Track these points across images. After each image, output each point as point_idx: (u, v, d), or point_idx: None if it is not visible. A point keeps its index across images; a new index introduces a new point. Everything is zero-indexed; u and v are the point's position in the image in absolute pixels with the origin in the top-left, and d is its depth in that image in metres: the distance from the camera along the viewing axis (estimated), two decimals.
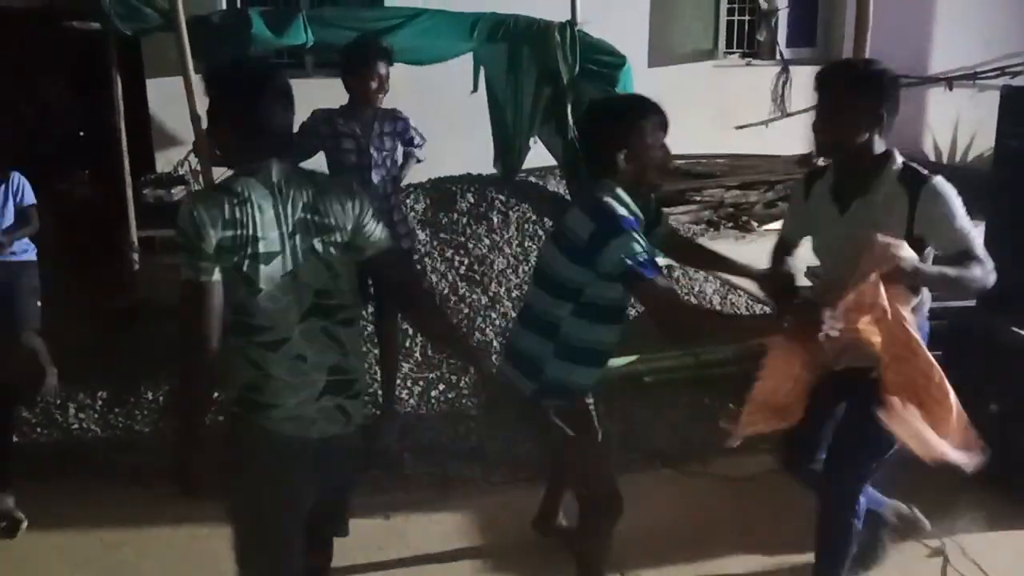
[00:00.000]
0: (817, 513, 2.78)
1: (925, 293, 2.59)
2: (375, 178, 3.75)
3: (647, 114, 2.37)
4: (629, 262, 2.22)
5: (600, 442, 2.59)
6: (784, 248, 2.78)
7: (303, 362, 2.06)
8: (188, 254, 1.96)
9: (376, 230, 2.13)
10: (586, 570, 2.78)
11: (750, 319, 2.37)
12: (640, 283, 2.24)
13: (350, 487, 2.36)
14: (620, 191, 2.37)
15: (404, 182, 4.25)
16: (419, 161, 4.19)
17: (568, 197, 5.71)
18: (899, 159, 2.46)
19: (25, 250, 4.38)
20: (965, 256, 2.39)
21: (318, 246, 2.05)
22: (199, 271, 1.95)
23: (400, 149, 3.94)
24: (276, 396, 2.06)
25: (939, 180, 2.41)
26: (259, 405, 2.07)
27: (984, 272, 2.40)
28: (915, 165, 2.48)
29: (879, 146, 2.44)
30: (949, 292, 2.45)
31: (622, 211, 2.32)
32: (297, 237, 2.03)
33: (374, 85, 3.72)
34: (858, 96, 2.37)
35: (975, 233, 2.43)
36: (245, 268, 1.98)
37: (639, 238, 2.27)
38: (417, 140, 4.06)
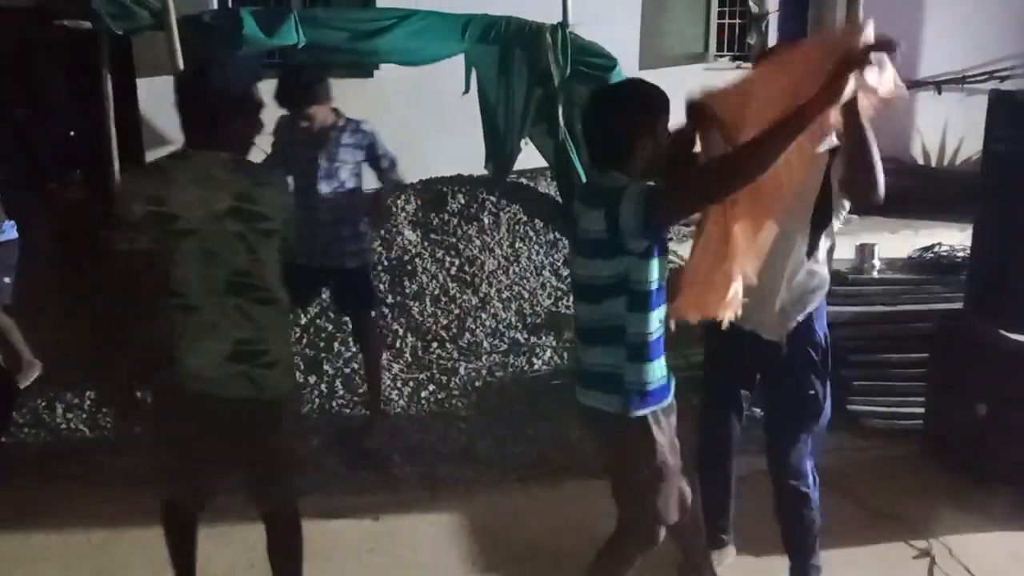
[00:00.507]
0: (776, 502, 2.83)
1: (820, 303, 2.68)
2: (324, 189, 3.64)
3: (661, 101, 2.27)
4: (643, 195, 2.12)
5: (674, 461, 2.43)
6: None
7: (214, 329, 2.31)
8: (118, 224, 2.25)
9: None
10: None
11: (783, 119, 2.07)
12: (663, 194, 2.14)
13: (276, 456, 2.55)
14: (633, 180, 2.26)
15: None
16: (397, 185, 4.01)
17: (559, 199, 5.72)
18: None
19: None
20: None
21: (244, 231, 2.25)
22: (124, 240, 2.25)
23: (361, 163, 3.76)
24: (186, 355, 2.35)
25: None
26: (174, 360, 2.35)
27: None
28: None
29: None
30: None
31: (624, 179, 2.23)
32: (224, 221, 2.23)
33: (304, 124, 3.61)
34: None
35: None
36: (166, 241, 2.25)
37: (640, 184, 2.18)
38: (384, 163, 3.80)
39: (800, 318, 2.64)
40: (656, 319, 2.31)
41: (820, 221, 2.58)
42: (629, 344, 2.29)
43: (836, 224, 2.65)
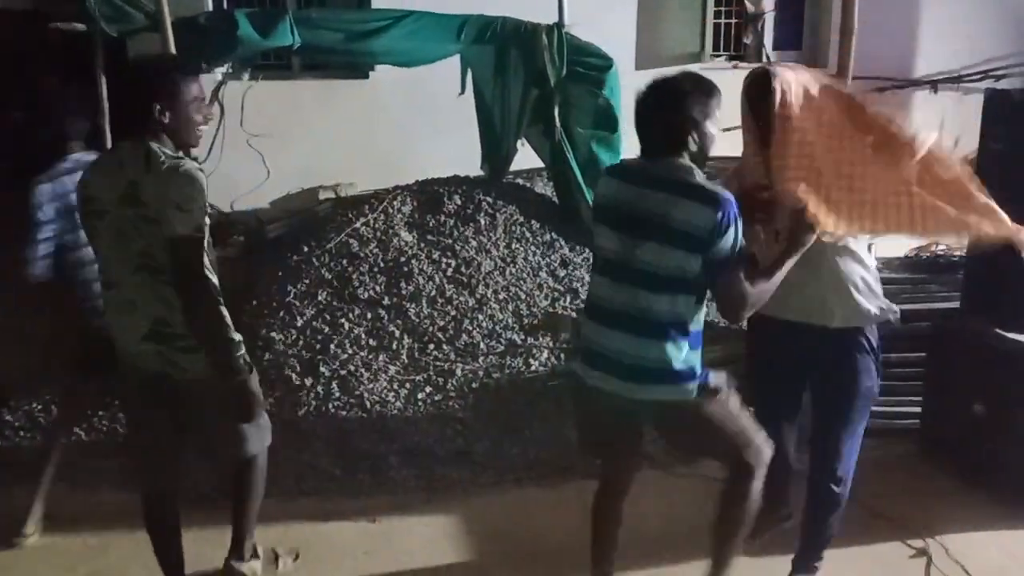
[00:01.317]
0: (808, 494, 2.89)
1: None
2: None
3: (712, 92, 2.41)
4: (737, 251, 2.30)
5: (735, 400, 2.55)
6: None
7: (132, 306, 2.56)
8: None
9: (175, 220, 2.44)
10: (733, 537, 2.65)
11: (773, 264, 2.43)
12: (732, 273, 2.31)
13: (216, 435, 2.80)
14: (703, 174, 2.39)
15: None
16: None
17: (556, 199, 5.71)
18: None
19: None
20: None
21: (135, 217, 2.49)
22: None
23: None
24: (115, 330, 2.63)
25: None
26: (112, 336, 2.64)
27: None
28: None
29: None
30: None
31: (730, 196, 2.32)
32: (125, 206, 2.49)
33: None
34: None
35: None
36: (86, 221, 2.60)
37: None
38: None
39: (847, 309, 2.67)
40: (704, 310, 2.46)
41: None
42: (690, 334, 2.40)
43: None
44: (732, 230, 2.28)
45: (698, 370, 2.44)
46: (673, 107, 2.35)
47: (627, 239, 2.39)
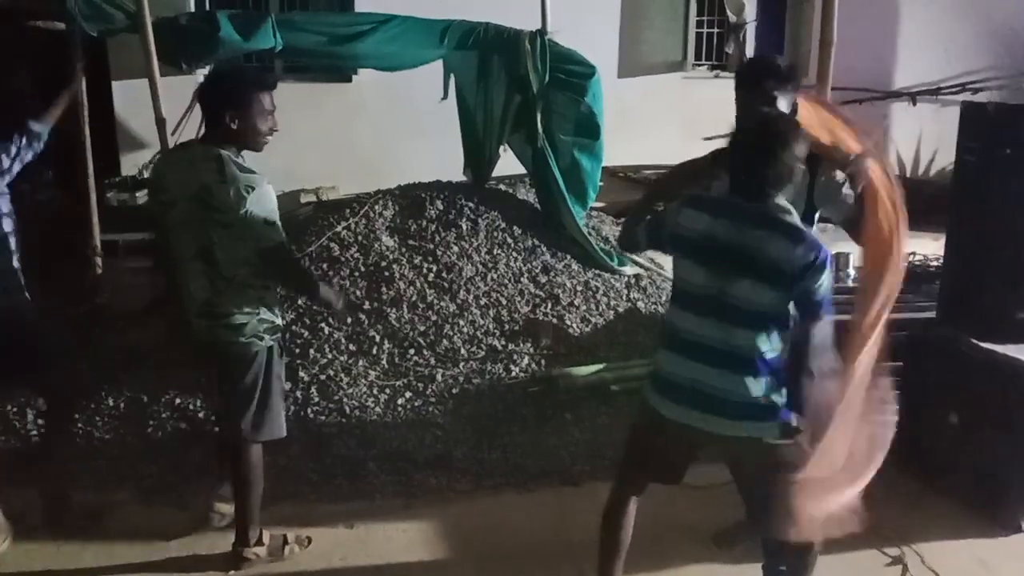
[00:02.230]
0: None
1: None
2: None
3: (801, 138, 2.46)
4: (822, 295, 2.37)
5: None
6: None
7: (187, 287, 2.97)
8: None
9: (269, 232, 2.84)
10: None
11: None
12: (819, 319, 2.38)
13: (233, 394, 3.07)
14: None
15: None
16: None
17: (538, 206, 5.72)
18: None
19: None
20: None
21: (207, 217, 2.83)
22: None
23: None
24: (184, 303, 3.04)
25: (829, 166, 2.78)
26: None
27: None
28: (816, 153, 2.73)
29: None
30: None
31: (821, 242, 2.40)
32: (196, 205, 2.84)
33: None
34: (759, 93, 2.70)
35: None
36: (155, 204, 3.00)
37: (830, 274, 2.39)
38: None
39: None
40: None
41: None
42: (776, 371, 2.43)
43: None
44: (824, 274, 2.35)
45: (780, 407, 2.45)
46: (784, 153, 2.39)
47: (718, 274, 2.42)
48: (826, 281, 2.36)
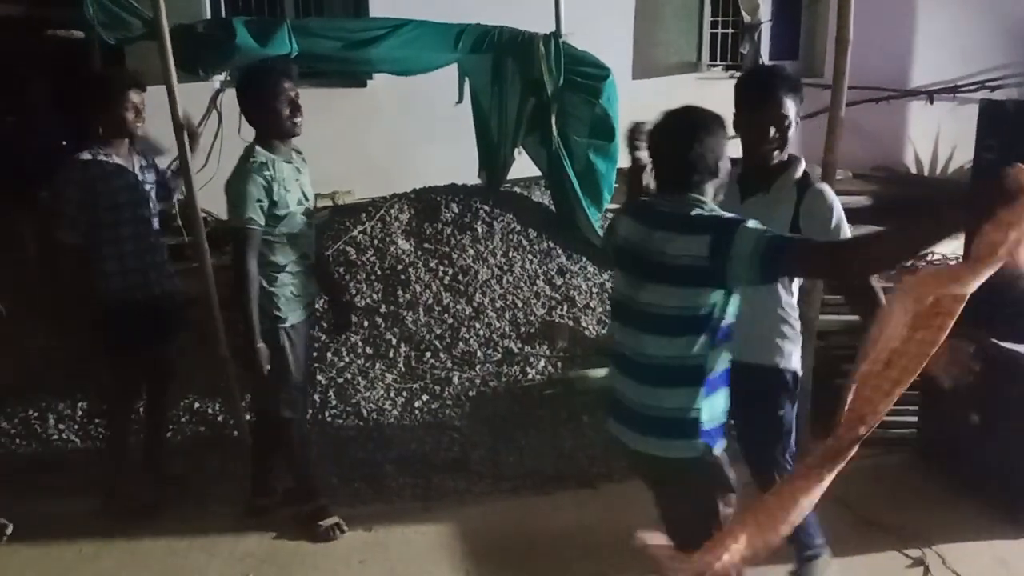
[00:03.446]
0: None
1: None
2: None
3: (724, 128, 2.30)
4: (763, 245, 2.08)
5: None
6: None
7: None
8: None
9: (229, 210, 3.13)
10: None
11: (917, 223, 2.06)
12: (788, 253, 2.11)
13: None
14: (709, 202, 2.27)
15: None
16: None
17: (553, 208, 5.72)
18: (801, 167, 2.70)
19: None
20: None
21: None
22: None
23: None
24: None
25: (823, 186, 2.70)
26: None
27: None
28: (810, 174, 2.73)
29: (786, 149, 2.68)
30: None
31: (726, 215, 2.22)
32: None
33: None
34: (792, 98, 2.63)
35: (848, 234, 2.66)
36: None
37: (750, 222, 2.15)
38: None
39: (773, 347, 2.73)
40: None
41: None
42: (708, 380, 2.21)
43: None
44: (736, 236, 2.10)
45: (698, 424, 2.21)
46: (694, 144, 2.23)
47: (630, 281, 2.30)
48: (746, 236, 2.09)
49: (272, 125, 3.20)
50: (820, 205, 2.64)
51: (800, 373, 2.84)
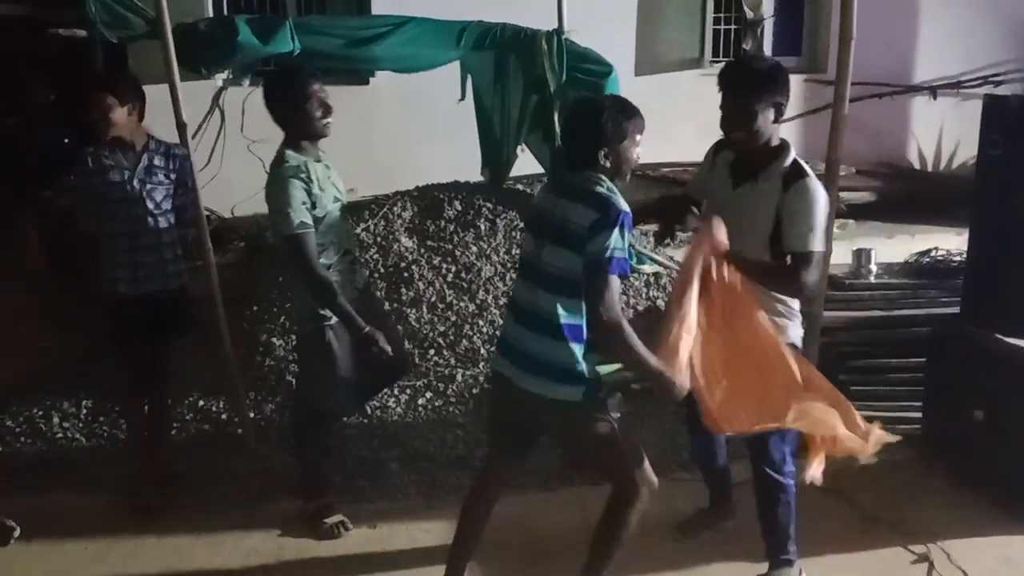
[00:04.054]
0: (755, 488, 3.01)
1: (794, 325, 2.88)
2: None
3: (630, 115, 2.55)
4: (607, 253, 2.42)
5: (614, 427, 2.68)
6: (687, 198, 3.15)
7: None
8: None
9: (273, 217, 3.19)
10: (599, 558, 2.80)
11: (647, 358, 2.53)
12: (600, 275, 2.43)
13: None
14: (612, 184, 2.53)
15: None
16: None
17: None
18: (791, 156, 2.75)
19: None
20: (796, 259, 2.69)
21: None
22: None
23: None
24: None
25: (810, 180, 2.70)
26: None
27: (795, 284, 2.70)
28: (801, 163, 2.74)
29: (775, 137, 2.75)
30: (759, 282, 2.72)
31: (624, 206, 2.47)
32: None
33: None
34: (755, 91, 2.68)
35: (819, 243, 2.68)
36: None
37: (627, 237, 2.46)
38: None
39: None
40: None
41: (776, 253, 2.75)
42: (585, 336, 2.52)
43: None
44: (608, 233, 2.41)
45: (583, 374, 2.54)
46: (595, 126, 2.52)
47: (534, 240, 2.61)
48: (614, 241, 2.42)
49: (304, 127, 3.22)
50: (799, 206, 2.67)
51: (800, 346, 2.90)
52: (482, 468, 3.02)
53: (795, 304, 2.87)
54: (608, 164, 2.52)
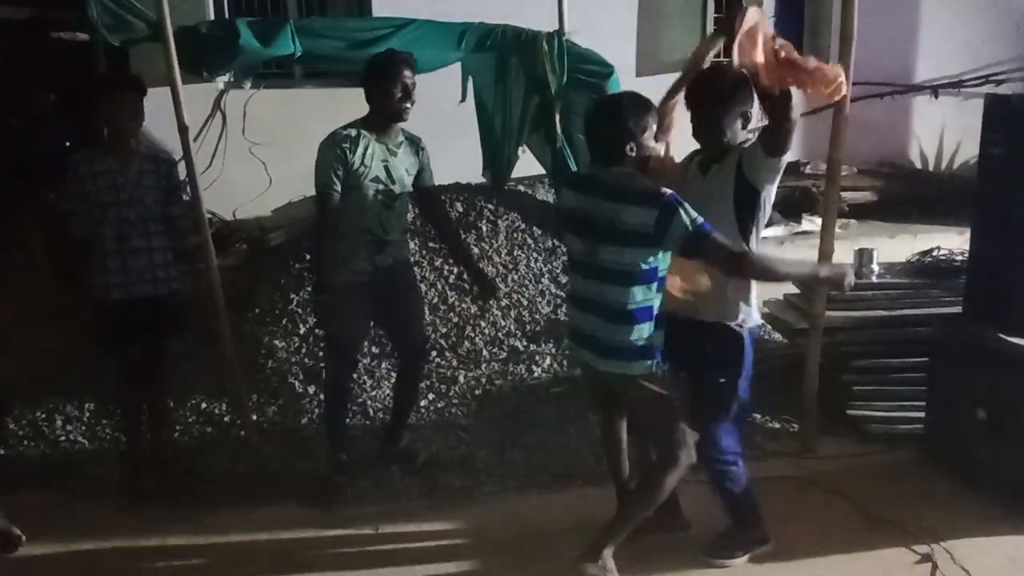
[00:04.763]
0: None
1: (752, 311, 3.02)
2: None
3: (648, 108, 2.76)
4: (691, 228, 2.63)
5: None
6: None
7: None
8: None
9: None
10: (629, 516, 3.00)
11: (799, 266, 3.01)
12: (705, 244, 2.65)
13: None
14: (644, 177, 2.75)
15: None
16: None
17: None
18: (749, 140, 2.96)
19: None
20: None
21: None
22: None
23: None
24: None
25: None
26: None
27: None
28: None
29: (742, 136, 2.93)
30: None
31: (666, 189, 2.68)
32: None
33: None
34: (719, 107, 2.87)
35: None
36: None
37: (689, 207, 2.65)
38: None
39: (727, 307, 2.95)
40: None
41: (743, 216, 2.92)
42: (653, 317, 2.79)
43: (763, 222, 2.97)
44: (678, 216, 2.63)
45: (655, 351, 2.83)
46: (615, 124, 2.72)
47: (589, 242, 2.81)
48: (687, 216, 2.63)
49: (380, 106, 3.48)
50: (754, 149, 2.86)
51: (752, 334, 3.05)
52: (602, 434, 3.27)
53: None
54: (635, 157, 2.71)
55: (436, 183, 3.94)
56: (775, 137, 2.78)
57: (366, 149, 3.47)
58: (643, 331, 2.79)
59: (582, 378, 3.45)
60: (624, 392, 2.98)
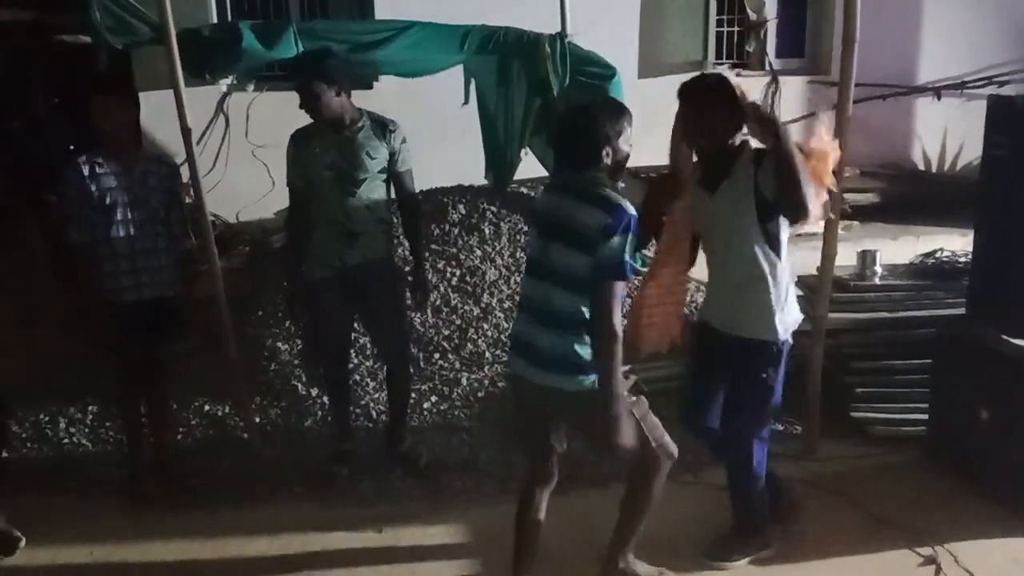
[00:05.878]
0: (727, 471, 3.20)
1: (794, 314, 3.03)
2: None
3: (623, 112, 2.68)
4: (617, 260, 2.53)
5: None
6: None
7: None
8: None
9: None
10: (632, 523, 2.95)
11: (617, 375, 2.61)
12: (608, 282, 2.53)
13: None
14: (615, 185, 2.65)
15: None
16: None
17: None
18: (752, 146, 2.90)
19: None
20: None
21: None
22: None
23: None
24: None
25: None
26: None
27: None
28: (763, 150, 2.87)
29: (737, 139, 2.89)
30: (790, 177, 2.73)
31: (632, 210, 2.55)
32: None
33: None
34: (715, 106, 2.83)
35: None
36: None
37: (632, 240, 2.55)
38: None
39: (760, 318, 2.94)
40: None
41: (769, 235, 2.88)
42: (590, 330, 2.60)
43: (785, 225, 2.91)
44: (619, 239, 2.51)
45: (590, 364, 2.63)
46: (588, 128, 2.62)
47: (542, 242, 2.69)
48: (623, 247, 2.52)
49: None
50: (767, 175, 2.79)
51: (791, 342, 3.03)
52: (523, 477, 3.04)
53: (783, 291, 2.96)
54: (609, 161, 2.62)
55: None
56: (789, 212, 2.79)
57: (319, 139, 3.56)
58: (584, 343, 2.61)
59: (511, 394, 3.27)
60: (565, 412, 2.80)
